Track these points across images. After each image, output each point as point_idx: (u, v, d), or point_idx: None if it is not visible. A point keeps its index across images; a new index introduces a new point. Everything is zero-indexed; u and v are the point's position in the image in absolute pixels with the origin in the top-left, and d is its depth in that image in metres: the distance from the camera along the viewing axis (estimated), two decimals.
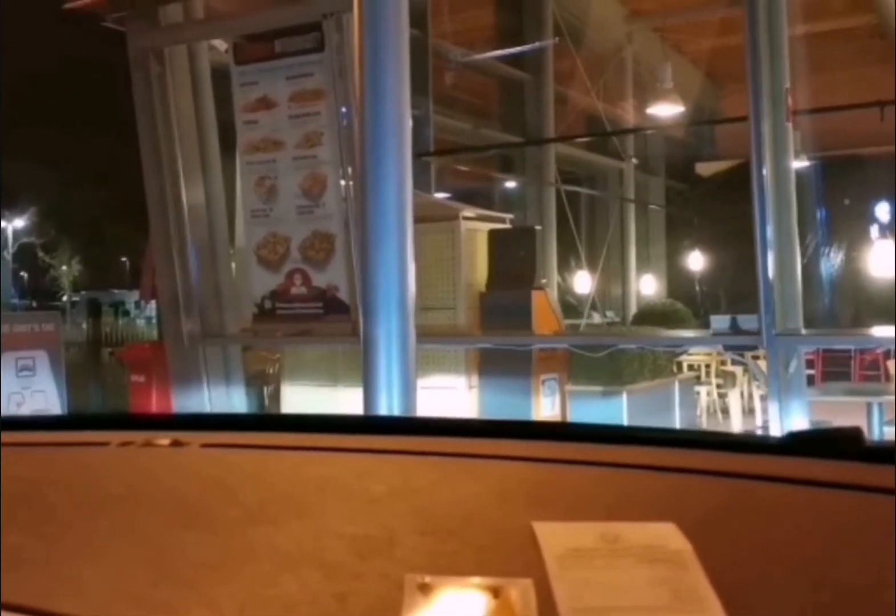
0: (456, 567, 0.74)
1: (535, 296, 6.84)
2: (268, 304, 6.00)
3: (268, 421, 1.32)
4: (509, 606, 0.69)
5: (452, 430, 1.17)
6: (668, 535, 0.79)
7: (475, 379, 7.03)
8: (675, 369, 8.33)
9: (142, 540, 0.79)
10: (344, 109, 5.50)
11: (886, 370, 9.28)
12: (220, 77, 6.14)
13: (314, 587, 0.71)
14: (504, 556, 0.77)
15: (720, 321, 6.30)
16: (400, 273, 4.20)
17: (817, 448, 0.97)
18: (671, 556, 0.76)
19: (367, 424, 1.25)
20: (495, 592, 0.71)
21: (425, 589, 0.71)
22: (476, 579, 0.72)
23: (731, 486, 0.91)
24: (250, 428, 1.23)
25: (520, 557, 0.76)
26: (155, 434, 1.07)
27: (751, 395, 9.33)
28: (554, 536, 0.80)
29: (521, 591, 0.71)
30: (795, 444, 1.00)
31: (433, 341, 6.38)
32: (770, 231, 5.37)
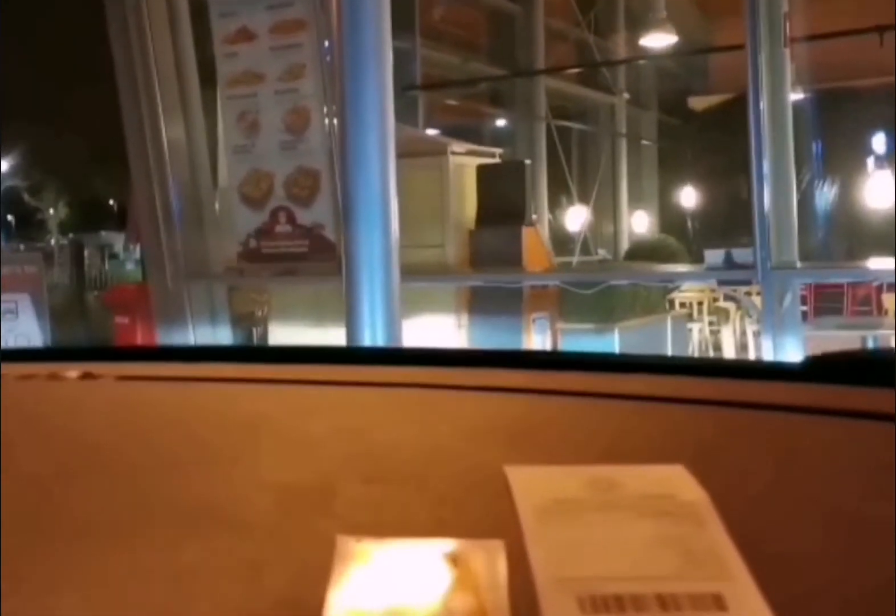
0: (406, 525, 0.61)
1: (526, 232, 6.73)
2: (252, 243, 5.97)
3: (198, 352, 1.19)
4: (471, 578, 0.56)
5: (416, 360, 1.03)
6: (676, 481, 0.65)
7: (465, 318, 6.95)
8: (667, 307, 8.25)
9: (18, 492, 0.66)
10: (327, 43, 5.36)
11: (881, 304, 9.19)
12: (199, 7, 5.99)
13: (223, 554, 0.58)
14: (468, 511, 0.63)
15: (714, 256, 6.22)
16: (382, 209, 4.12)
17: (843, 373, 0.84)
18: (681, 509, 0.62)
19: (312, 354, 1.12)
20: (454, 559, 0.57)
21: (362, 555, 0.58)
22: (430, 542, 0.58)
23: (746, 417, 0.78)
24: (178, 359, 1.09)
25: (488, 512, 0.63)
26: (62, 366, 0.94)
27: (744, 332, 9.25)
28: (531, 484, 0.66)
29: (487, 556, 0.58)
30: (818, 369, 0.87)
31: (420, 279, 6.29)
32: (766, 164, 5.34)
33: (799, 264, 5.81)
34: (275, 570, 0.56)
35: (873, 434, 0.74)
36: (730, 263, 6.20)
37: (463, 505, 0.64)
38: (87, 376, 0.95)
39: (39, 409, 0.85)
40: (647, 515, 0.61)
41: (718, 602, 0.53)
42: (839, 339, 6.82)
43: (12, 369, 0.97)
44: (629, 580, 0.55)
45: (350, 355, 1.18)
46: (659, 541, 0.58)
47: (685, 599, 0.53)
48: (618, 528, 0.59)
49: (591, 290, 7.01)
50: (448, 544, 0.59)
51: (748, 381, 0.89)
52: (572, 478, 0.66)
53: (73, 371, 0.97)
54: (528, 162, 7.60)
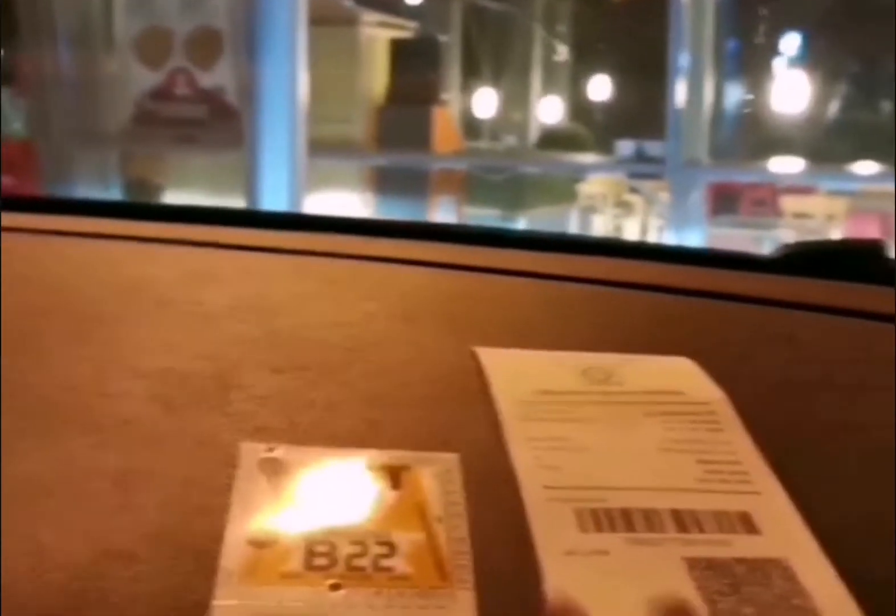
0: (329, 429, 0.48)
1: (437, 113, 6.56)
2: (148, 105, 5.69)
3: (79, 205, 1.02)
4: (416, 503, 0.43)
5: (329, 227, 0.89)
6: (685, 376, 0.54)
7: (369, 198, 6.80)
8: (574, 197, 8.20)
9: None
10: None
11: (776, 205, 9.31)
12: None
13: (81, 463, 0.44)
14: (409, 413, 0.51)
15: (625, 147, 6.19)
16: (291, 77, 3.90)
17: (822, 265, 0.73)
18: (695, 408, 0.50)
19: (210, 214, 0.96)
20: (394, 476, 0.45)
21: (272, 468, 0.44)
22: (362, 453, 0.46)
23: (731, 309, 0.67)
24: (54, 211, 0.92)
25: (435, 415, 0.50)
26: None
27: (647, 227, 9.28)
28: (511, 371, 0.54)
29: (437, 472, 0.45)
30: (793, 260, 0.76)
31: (326, 156, 6.08)
32: (682, 57, 5.33)
33: (707, 161, 5.87)
34: (152, 488, 0.43)
35: (869, 331, 0.64)
36: (640, 156, 6.23)
37: (401, 404, 0.51)
38: None
39: None
40: (655, 414, 0.49)
41: (746, 522, 0.42)
42: (736, 237, 6.92)
43: None
44: (638, 492, 0.44)
45: (253, 218, 1.03)
46: (671, 446, 0.47)
47: (708, 518, 0.42)
48: (622, 429, 0.48)
49: (500, 176, 6.92)
50: (385, 456, 0.46)
51: (721, 269, 0.77)
52: (561, 365, 0.53)
53: None
54: (443, 39, 7.35)
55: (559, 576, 0.39)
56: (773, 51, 12.89)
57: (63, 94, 5.87)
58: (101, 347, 0.56)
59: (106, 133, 6.02)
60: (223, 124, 5.31)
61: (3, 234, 0.80)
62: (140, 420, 0.48)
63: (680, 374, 0.54)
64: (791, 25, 12.26)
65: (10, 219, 0.85)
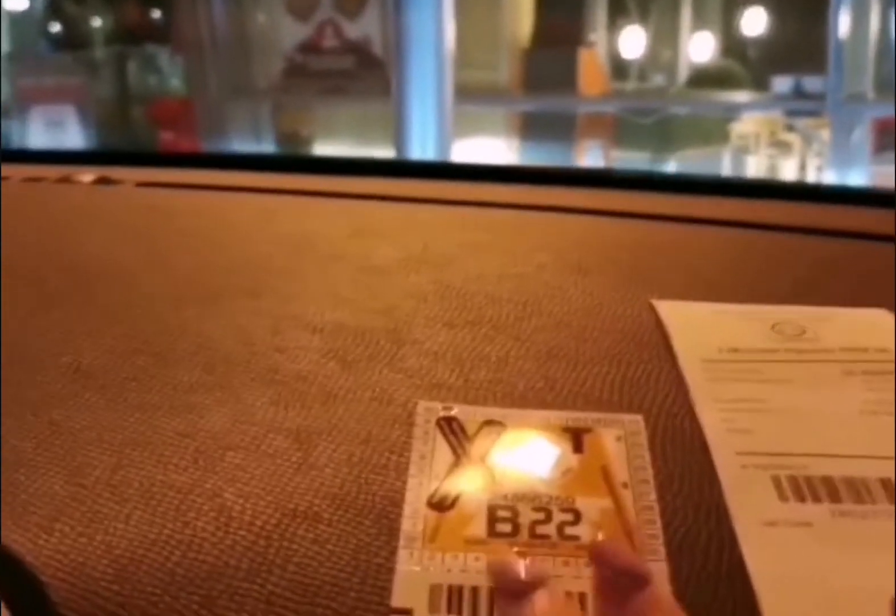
0: (507, 387, 0.46)
1: (583, 54, 6.42)
2: (298, 59, 5.78)
3: (235, 159, 1.02)
4: (600, 467, 0.41)
5: (491, 175, 0.86)
6: (887, 330, 0.50)
7: (516, 144, 6.73)
8: (727, 138, 7.92)
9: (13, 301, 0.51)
10: None
11: None
12: None
13: (258, 419, 0.44)
14: (590, 371, 0.48)
15: (782, 83, 5.93)
16: (437, 25, 3.87)
17: None
18: None
19: (367, 166, 0.94)
20: (576, 440, 0.43)
21: (450, 428, 0.43)
22: (542, 413, 0.45)
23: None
24: (210, 166, 0.93)
25: (618, 372, 0.48)
26: (77, 169, 0.79)
27: (805, 167, 8.90)
28: (695, 327, 0.51)
29: (623, 436, 0.43)
30: None
31: (472, 102, 6.04)
32: None
33: (872, 95, 5.57)
34: (331, 446, 0.42)
35: None
36: (798, 92, 5.95)
37: (579, 361, 0.49)
38: (102, 181, 0.80)
39: (46, 213, 0.70)
40: (856, 373, 0.46)
41: None
42: None
43: (17, 171, 0.82)
44: (841, 459, 0.41)
45: (407, 168, 1.01)
46: (876, 407, 0.43)
47: None
48: (818, 389, 0.45)
49: (649, 118, 6.73)
50: (566, 417, 0.44)
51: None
52: (748, 319, 0.50)
53: (87, 175, 0.82)
54: None
55: (759, 548, 0.37)
56: None
57: (217, 50, 6.03)
58: (276, 302, 0.56)
59: (258, 87, 6.17)
60: (370, 74, 5.36)
61: (172, 190, 0.81)
62: (316, 376, 0.48)
63: (881, 328, 0.51)
64: None
65: (176, 175, 0.87)
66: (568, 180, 0.86)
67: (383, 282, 0.59)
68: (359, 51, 5.45)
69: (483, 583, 0.35)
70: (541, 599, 0.31)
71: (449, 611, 0.34)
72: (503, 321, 0.54)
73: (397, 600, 0.35)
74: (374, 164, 0.96)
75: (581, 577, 0.36)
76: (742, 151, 8.38)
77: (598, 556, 0.33)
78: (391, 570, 0.36)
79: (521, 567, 0.33)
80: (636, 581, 0.31)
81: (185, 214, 0.72)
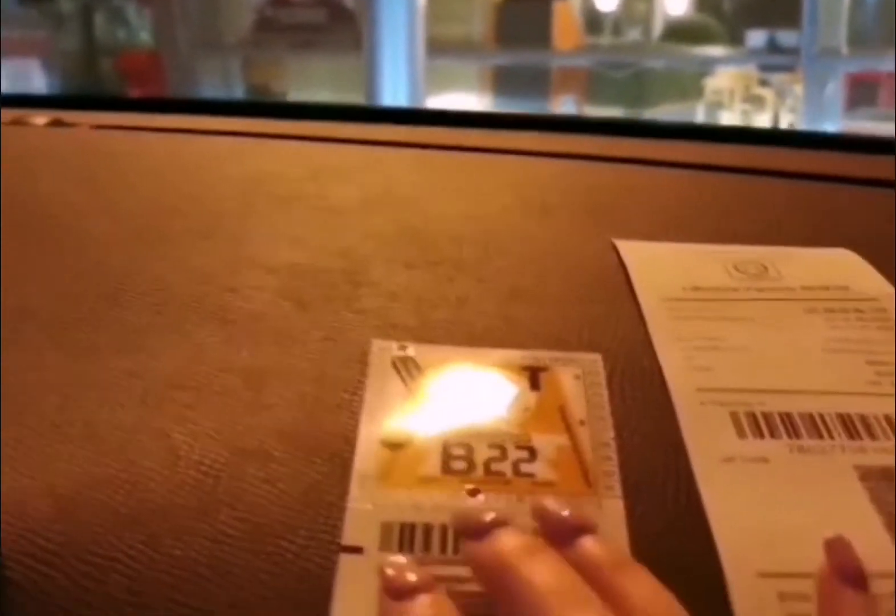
0: (465, 326, 0.45)
1: (557, 7, 6.36)
2: (268, 12, 5.72)
3: (196, 104, 1.00)
4: (557, 405, 0.41)
5: (453, 121, 0.85)
6: (847, 269, 0.49)
7: (489, 99, 6.69)
8: (701, 93, 7.90)
9: None
10: None
11: None
12: None
13: (210, 358, 0.43)
14: (550, 310, 0.48)
15: (756, 37, 5.90)
16: None
17: None
18: (861, 304, 0.46)
19: (331, 111, 0.92)
20: (533, 378, 0.42)
21: (405, 368, 0.42)
22: (499, 352, 0.44)
23: (884, 198, 0.61)
24: (170, 110, 0.91)
25: (577, 312, 0.47)
26: (29, 112, 0.77)
27: (777, 121, 8.89)
28: (656, 266, 0.51)
29: (581, 374, 0.42)
30: None
31: (445, 56, 5.98)
32: None
33: (846, 50, 5.55)
34: (283, 385, 0.41)
35: None
36: (772, 47, 5.93)
37: (540, 301, 0.48)
38: (57, 123, 0.78)
39: None
40: (818, 311, 0.45)
41: None
42: (875, 131, 6.56)
43: None
44: (801, 395, 0.40)
45: (376, 114, 0.99)
46: (837, 345, 0.43)
47: (881, 424, 0.39)
48: (780, 328, 0.44)
49: (622, 72, 6.70)
50: (524, 356, 0.43)
51: (874, 155, 0.71)
52: (711, 259, 0.50)
53: (40, 117, 0.80)
54: None
55: (715, 484, 0.37)
56: None
57: (186, 3, 5.94)
58: (231, 243, 0.55)
59: (228, 41, 6.08)
60: (342, 28, 5.29)
61: (130, 132, 0.79)
62: (270, 316, 0.47)
63: (843, 267, 0.50)
64: None
65: (135, 119, 0.85)
66: (535, 126, 0.84)
67: (342, 223, 0.58)
68: (330, 3, 5.38)
69: (436, 520, 0.35)
70: (505, 535, 0.31)
71: (401, 548, 0.34)
72: (464, 262, 0.53)
73: (348, 538, 0.34)
74: (338, 109, 0.95)
75: None
76: (716, 106, 8.36)
77: (539, 516, 0.33)
78: (343, 509, 0.35)
79: (485, 512, 0.33)
80: (582, 531, 0.32)
81: (140, 157, 0.70)
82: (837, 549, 0.33)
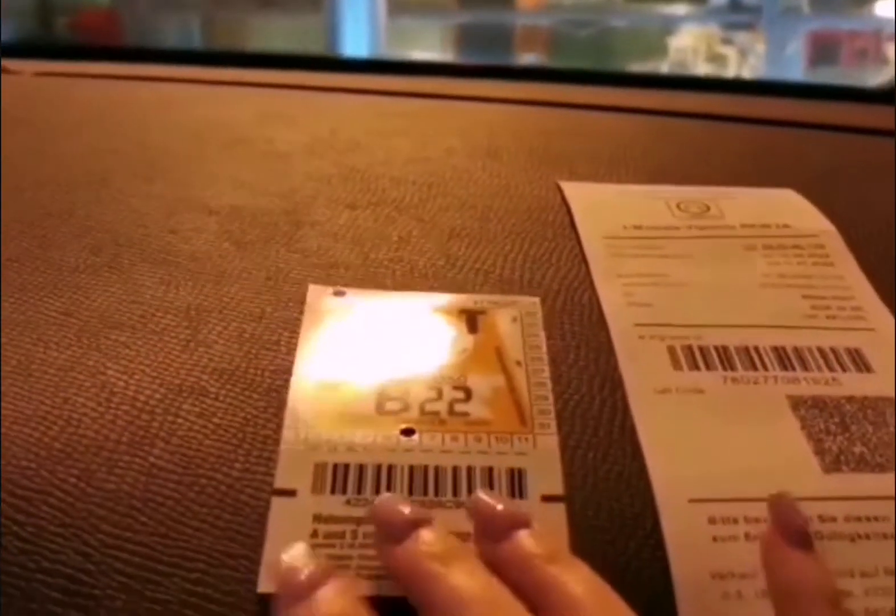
0: (404, 269, 0.45)
1: None
2: None
3: (148, 53, 0.98)
4: (494, 347, 0.41)
5: (404, 70, 0.84)
6: (789, 208, 0.50)
7: (452, 58, 6.63)
8: (665, 52, 7.87)
9: None
10: None
11: (880, 54, 8.83)
12: None
13: (148, 299, 0.42)
14: (490, 252, 0.48)
15: None
16: None
17: None
18: (801, 241, 0.47)
19: (283, 60, 0.91)
20: (470, 321, 0.42)
21: (342, 312, 0.42)
22: (436, 295, 0.44)
23: (827, 140, 0.61)
24: (120, 58, 0.89)
25: (519, 254, 0.47)
26: None
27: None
28: (599, 206, 0.51)
29: (518, 316, 0.43)
30: None
31: (406, 15, 5.90)
32: None
33: (807, 9, 5.51)
34: (221, 324, 0.41)
35: None
36: (735, 5, 5.90)
37: (482, 240, 0.48)
38: None
39: None
40: (757, 248, 0.46)
41: (858, 359, 0.39)
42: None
43: None
44: (738, 329, 0.41)
45: (331, 63, 0.98)
46: (775, 281, 0.43)
47: (814, 355, 0.39)
48: (719, 264, 0.44)
49: (586, 31, 6.64)
50: (462, 299, 0.43)
51: (823, 101, 0.71)
52: (654, 199, 0.50)
53: None
54: None
55: (650, 415, 0.37)
56: None
57: None
58: (172, 186, 0.54)
59: (188, 0, 5.95)
60: None
61: (76, 80, 0.78)
62: (210, 256, 0.46)
63: (784, 205, 0.50)
64: None
65: (82, 67, 0.83)
66: (486, 74, 0.84)
67: (285, 166, 0.58)
68: None
69: (369, 461, 0.35)
70: (426, 537, 0.30)
71: (333, 490, 0.34)
72: (407, 203, 0.52)
73: (280, 481, 0.34)
74: (290, 58, 0.93)
75: (469, 452, 0.35)
76: (680, 65, 8.35)
77: (474, 511, 0.32)
78: (278, 442, 0.35)
79: (406, 508, 0.32)
80: (517, 526, 0.31)
81: (82, 104, 0.69)
82: (781, 508, 0.33)
